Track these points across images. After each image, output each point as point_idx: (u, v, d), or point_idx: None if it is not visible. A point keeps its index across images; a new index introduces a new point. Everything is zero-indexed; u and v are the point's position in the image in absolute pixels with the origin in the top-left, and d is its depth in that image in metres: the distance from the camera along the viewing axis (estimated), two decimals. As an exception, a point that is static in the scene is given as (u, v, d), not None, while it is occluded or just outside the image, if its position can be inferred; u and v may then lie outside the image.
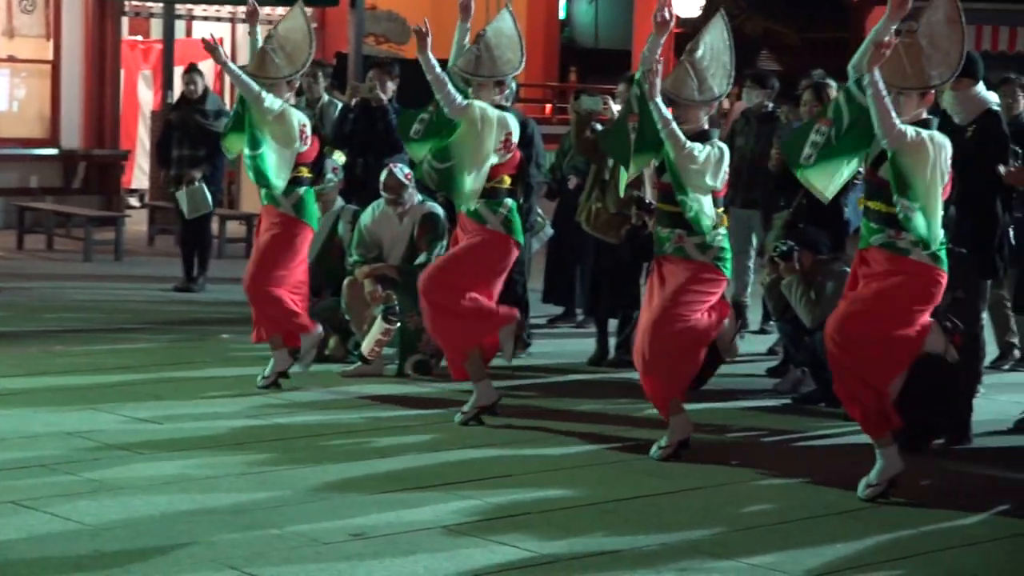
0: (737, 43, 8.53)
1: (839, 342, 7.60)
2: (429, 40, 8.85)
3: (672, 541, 6.90)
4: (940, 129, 7.63)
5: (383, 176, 10.68)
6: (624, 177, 8.71)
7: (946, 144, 7.50)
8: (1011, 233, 9.88)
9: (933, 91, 7.64)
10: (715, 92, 8.30)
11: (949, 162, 7.52)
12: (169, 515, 7.02)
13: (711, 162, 8.19)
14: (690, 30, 9.04)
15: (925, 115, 7.55)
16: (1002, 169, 9.03)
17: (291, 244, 9.88)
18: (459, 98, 8.85)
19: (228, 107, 10.37)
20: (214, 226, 15.66)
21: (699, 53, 8.27)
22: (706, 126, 8.34)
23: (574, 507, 7.39)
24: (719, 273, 8.33)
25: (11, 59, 19.80)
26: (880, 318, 7.56)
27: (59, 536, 6.65)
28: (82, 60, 19.90)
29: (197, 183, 14.31)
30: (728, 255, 8.39)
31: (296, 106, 9.93)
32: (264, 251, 9.88)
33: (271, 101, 9.60)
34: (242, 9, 21.36)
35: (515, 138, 9.06)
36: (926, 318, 7.63)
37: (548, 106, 27.49)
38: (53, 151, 19.84)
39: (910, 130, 7.36)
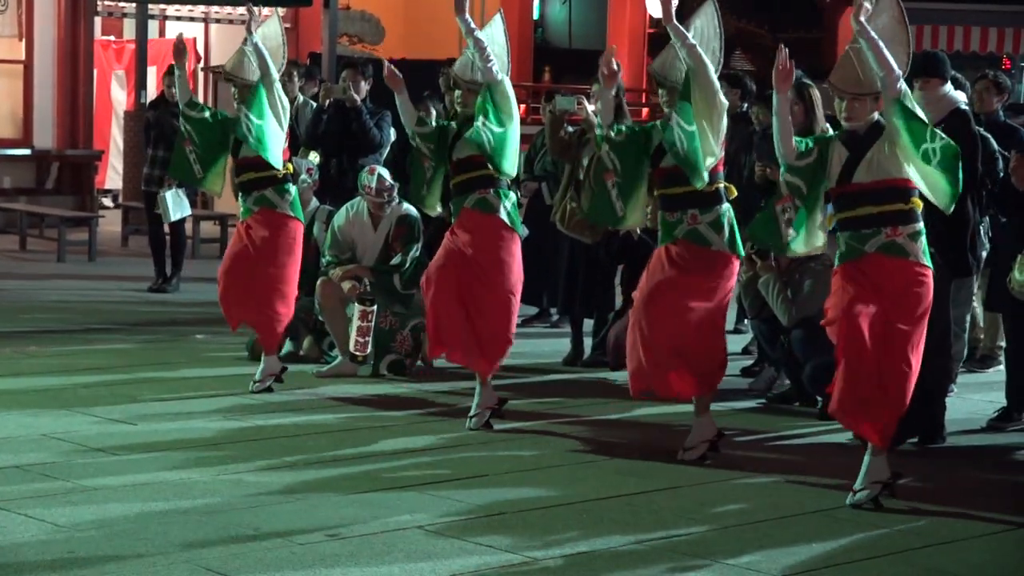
0: (710, 43, 8.56)
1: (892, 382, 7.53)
2: (466, 2, 8.90)
3: (648, 541, 6.90)
4: None
5: (373, 181, 10.65)
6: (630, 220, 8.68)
7: None
8: (982, 231, 9.92)
9: None
10: None
11: None
12: (144, 516, 7.00)
13: (725, 111, 8.19)
14: (663, 31, 9.06)
15: (877, 117, 7.57)
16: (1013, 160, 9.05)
17: (296, 244, 9.95)
18: (496, 66, 8.93)
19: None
20: (188, 226, 15.63)
21: (689, 37, 8.29)
22: None
23: (550, 507, 7.39)
24: (734, 259, 8.35)
25: (-17, 59, 19.77)
26: (916, 349, 7.57)
27: (33, 538, 6.62)
28: (55, 60, 19.85)
29: (176, 187, 14.27)
30: (737, 231, 8.38)
31: None
32: (270, 255, 9.83)
33: (280, 90, 9.73)
34: (215, 9, 21.49)
35: None
36: (926, 313, 7.62)
37: (523, 107, 27.50)
38: (26, 151, 19.79)
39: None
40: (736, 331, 12.37)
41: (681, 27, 8.14)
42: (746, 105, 12.23)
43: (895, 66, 7.37)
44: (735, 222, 8.40)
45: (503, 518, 7.18)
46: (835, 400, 7.60)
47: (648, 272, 8.41)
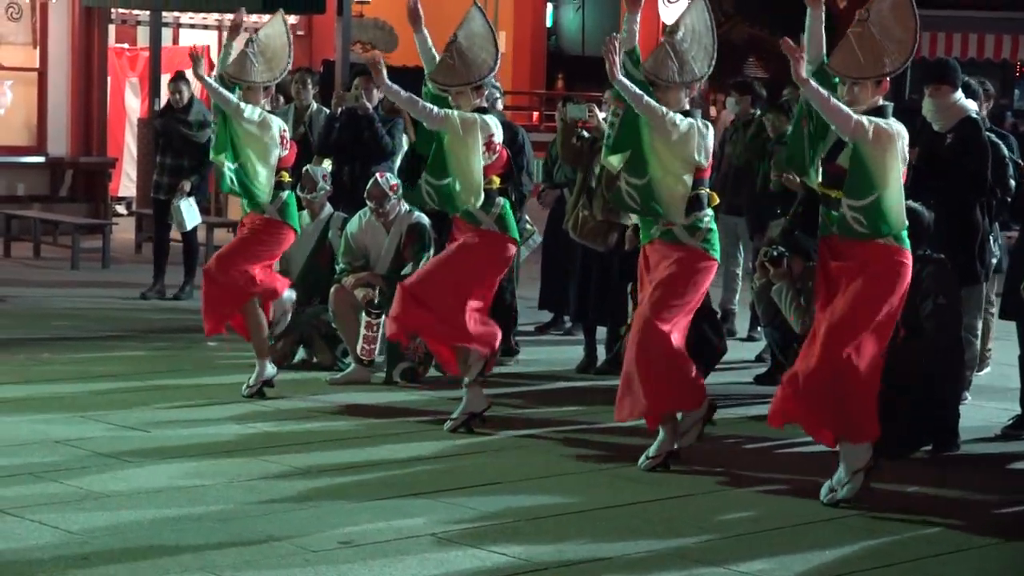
0: (723, 50, 8.53)
1: (831, 365, 7.56)
2: (384, 72, 8.85)
3: (661, 548, 6.90)
4: (920, 136, 7.64)
5: (369, 184, 10.69)
6: (608, 160, 8.52)
7: (904, 131, 7.53)
8: (991, 239, 9.90)
9: (888, 78, 7.63)
10: (696, 74, 8.24)
11: (907, 149, 7.56)
12: (157, 523, 7.01)
13: (694, 134, 8.08)
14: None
15: (881, 102, 7.56)
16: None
17: (272, 242, 9.92)
18: (435, 109, 8.86)
19: (213, 116, 10.35)
20: (201, 234, 15.63)
21: (679, 34, 8.23)
22: (687, 108, 8.29)
23: (563, 514, 7.39)
24: (709, 258, 8.27)
25: (-2, 67, 19.79)
26: (859, 329, 7.55)
27: (47, 544, 6.64)
28: (69, 68, 19.87)
29: (187, 197, 14.26)
30: (716, 237, 8.31)
31: (273, 112, 9.98)
32: (242, 242, 9.90)
33: (250, 111, 9.62)
34: (229, 17, 21.49)
35: (498, 139, 9.03)
36: (896, 301, 7.60)
37: (536, 113, 27.53)
38: (40, 159, 19.80)
39: (867, 121, 7.38)
40: (749, 338, 12.38)
41: (626, 81, 8.03)
42: (758, 111, 12.23)
43: (845, 110, 7.36)
44: (714, 226, 8.32)
45: (516, 525, 7.18)
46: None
47: (639, 283, 8.43)
